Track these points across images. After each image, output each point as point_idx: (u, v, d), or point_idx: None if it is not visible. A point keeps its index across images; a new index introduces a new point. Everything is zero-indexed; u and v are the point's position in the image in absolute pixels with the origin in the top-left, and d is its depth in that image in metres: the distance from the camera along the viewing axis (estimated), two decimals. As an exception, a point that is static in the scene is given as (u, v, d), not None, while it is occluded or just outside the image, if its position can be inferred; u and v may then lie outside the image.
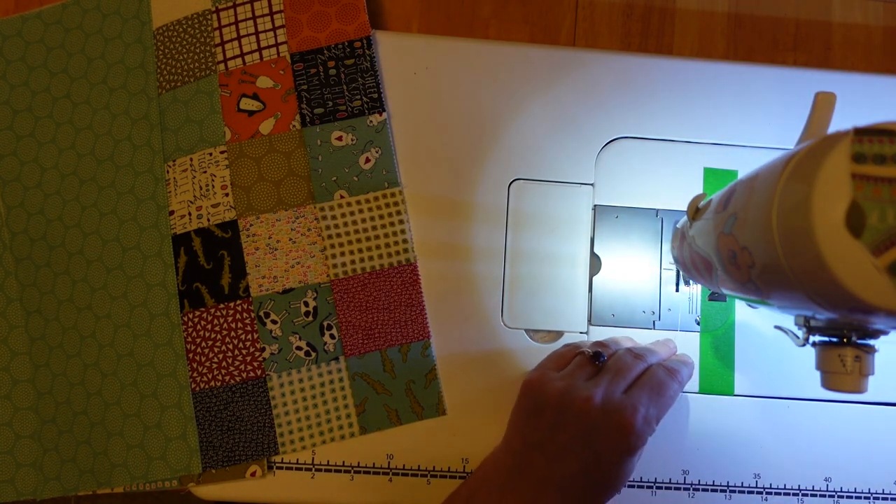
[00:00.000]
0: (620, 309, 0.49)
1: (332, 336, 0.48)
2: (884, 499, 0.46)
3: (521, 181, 0.49)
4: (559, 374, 0.42)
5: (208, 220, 0.49)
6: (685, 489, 0.46)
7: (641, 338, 0.48)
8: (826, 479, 0.46)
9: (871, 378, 0.32)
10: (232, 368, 0.47)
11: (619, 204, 0.49)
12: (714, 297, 0.48)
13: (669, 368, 0.42)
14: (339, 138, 0.49)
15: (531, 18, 0.54)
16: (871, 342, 0.31)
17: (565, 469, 0.38)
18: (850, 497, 0.46)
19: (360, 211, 0.49)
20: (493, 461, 0.42)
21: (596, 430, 0.38)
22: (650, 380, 0.40)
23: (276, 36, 0.51)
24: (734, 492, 0.46)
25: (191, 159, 0.49)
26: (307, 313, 0.48)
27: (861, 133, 0.24)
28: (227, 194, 0.49)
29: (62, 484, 0.48)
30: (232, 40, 0.51)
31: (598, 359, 0.42)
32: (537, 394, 0.41)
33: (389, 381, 0.47)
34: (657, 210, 0.49)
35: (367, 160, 0.49)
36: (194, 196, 0.49)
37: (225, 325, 0.48)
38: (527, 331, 0.48)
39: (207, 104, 0.50)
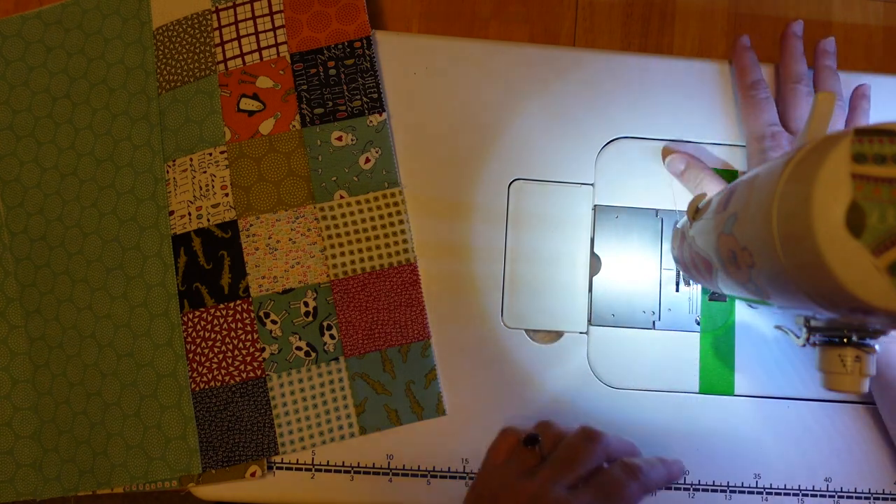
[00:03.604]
0: (620, 309, 0.48)
1: (331, 336, 0.48)
2: (884, 499, 0.46)
3: (521, 181, 0.49)
4: (499, 469, 0.37)
5: (208, 220, 0.49)
6: (685, 489, 0.46)
7: (642, 337, 0.48)
8: (826, 479, 0.46)
9: (870, 378, 0.32)
10: (232, 368, 0.47)
11: (619, 204, 0.49)
12: (714, 297, 0.48)
13: (630, 466, 0.35)
14: (339, 138, 0.49)
15: (531, 18, 0.54)
16: (871, 342, 0.31)
17: None
18: (850, 497, 0.46)
19: (360, 211, 0.49)
20: None
21: None
22: (601, 478, 0.35)
23: (275, 36, 0.51)
24: (734, 492, 0.46)
25: (191, 159, 0.49)
26: (307, 313, 0.48)
27: (861, 133, 0.24)
28: (226, 194, 0.49)
29: (62, 484, 0.48)
30: (232, 40, 0.51)
31: (531, 443, 0.37)
32: (476, 498, 0.37)
33: (389, 382, 0.47)
34: (657, 210, 0.49)
35: (367, 160, 0.49)
36: (194, 196, 0.49)
37: (225, 325, 0.47)
38: (527, 331, 0.48)
39: (207, 104, 0.50)
